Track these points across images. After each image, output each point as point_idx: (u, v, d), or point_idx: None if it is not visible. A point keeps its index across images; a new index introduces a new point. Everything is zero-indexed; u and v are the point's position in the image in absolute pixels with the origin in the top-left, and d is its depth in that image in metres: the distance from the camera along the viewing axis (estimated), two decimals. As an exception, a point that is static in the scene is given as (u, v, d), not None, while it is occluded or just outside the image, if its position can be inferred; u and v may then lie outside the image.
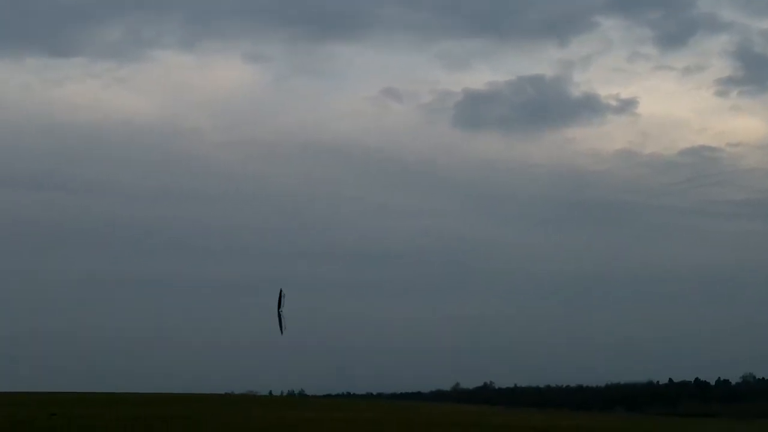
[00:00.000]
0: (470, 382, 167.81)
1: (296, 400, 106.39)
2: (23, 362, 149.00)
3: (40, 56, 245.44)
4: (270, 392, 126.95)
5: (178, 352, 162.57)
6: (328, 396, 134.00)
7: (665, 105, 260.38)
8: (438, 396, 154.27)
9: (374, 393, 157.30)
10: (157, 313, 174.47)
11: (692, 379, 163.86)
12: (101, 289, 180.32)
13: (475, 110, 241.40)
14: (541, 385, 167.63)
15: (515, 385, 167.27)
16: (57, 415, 50.30)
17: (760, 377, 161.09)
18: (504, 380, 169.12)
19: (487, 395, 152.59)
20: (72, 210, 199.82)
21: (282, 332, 56.97)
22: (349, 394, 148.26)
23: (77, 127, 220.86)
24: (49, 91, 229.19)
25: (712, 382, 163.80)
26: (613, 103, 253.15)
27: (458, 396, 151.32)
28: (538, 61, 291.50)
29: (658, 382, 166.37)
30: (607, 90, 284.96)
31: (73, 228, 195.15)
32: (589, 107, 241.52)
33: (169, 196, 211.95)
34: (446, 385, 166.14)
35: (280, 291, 56.78)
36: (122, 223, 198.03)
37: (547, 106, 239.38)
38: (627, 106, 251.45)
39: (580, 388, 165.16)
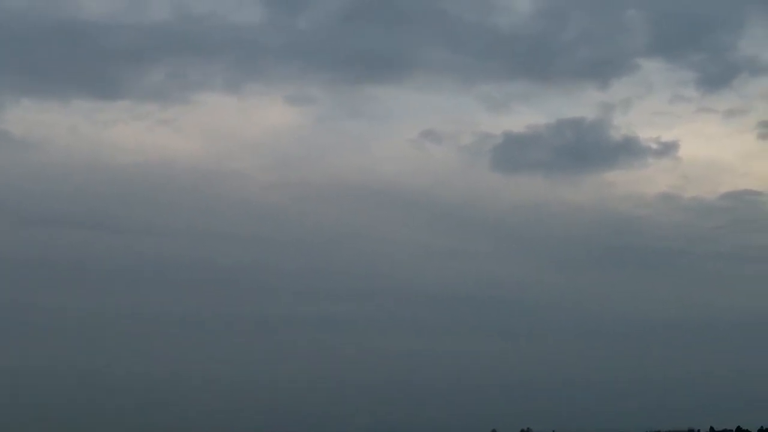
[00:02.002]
0: (508, 428, 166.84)
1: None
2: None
3: (86, 98, 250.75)
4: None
5: (223, 392, 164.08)
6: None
7: (707, 148, 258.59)
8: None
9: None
10: (198, 352, 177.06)
11: (734, 428, 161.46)
12: (148, 328, 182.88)
13: (514, 153, 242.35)
14: (580, 431, 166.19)
15: (553, 430, 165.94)
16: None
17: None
18: (542, 425, 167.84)
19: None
20: (117, 250, 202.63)
21: None
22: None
23: (122, 169, 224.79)
24: (95, 134, 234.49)
25: (754, 430, 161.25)
26: (654, 146, 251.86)
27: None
28: (579, 103, 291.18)
29: (699, 430, 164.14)
30: (648, 133, 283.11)
31: (119, 268, 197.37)
32: (630, 150, 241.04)
33: (212, 238, 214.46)
34: (484, 430, 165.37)
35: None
36: (167, 263, 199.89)
37: (587, 149, 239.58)
38: (668, 149, 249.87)
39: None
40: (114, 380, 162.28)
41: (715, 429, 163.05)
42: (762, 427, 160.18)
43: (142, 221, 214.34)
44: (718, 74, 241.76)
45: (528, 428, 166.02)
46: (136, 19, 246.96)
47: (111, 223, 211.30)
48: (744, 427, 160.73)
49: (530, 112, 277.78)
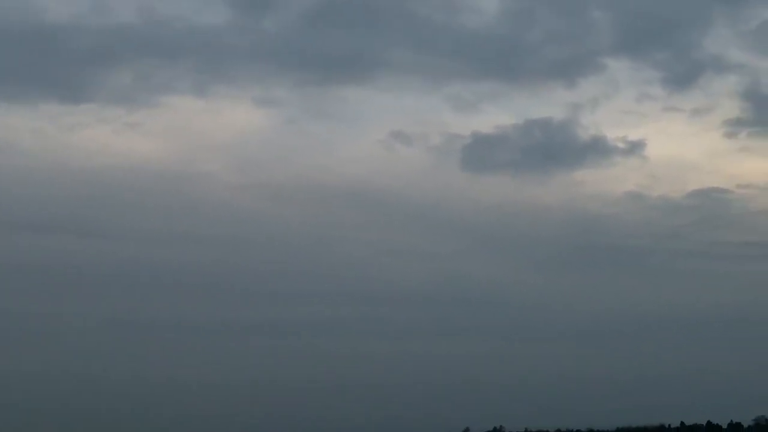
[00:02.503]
0: (480, 426, 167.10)
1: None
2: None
3: (52, 102, 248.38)
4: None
5: (185, 396, 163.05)
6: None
7: (674, 147, 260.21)
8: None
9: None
10: (165, 356, 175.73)
11: (704, 422, 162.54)
12: (115, 331, 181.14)
13: (483, 153, 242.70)
14: (552, 429, 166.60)
15: (525, 429, 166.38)
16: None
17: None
18: (515, 423, 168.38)
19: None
20: (84, 254, 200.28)
21: None
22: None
23: (89, 173, 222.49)
24: (61, 137, 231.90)
25: (724, 425, 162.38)
26: (621, 145, 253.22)
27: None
28: (546, 103, 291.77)
29: (669, 425, 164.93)
30: (615, 132, 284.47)
31: (86, 272, 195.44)
32: (597, 150, 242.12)
33: (180, 240, 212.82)
34: (456, 429, 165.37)
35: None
36: (134, 267, 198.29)
37: (555, 148, 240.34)
38: (635, 148, 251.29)
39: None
40: (74, 381, 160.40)
41: (686, 424, 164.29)
42: (732, 421, 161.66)
43: (109, 224, 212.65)
44: (684, 73, 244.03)
45: (500, 426, 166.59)
46: (102, 22, 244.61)
47: (78, 227, 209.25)
48: (714, 422, 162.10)
49: (498, 112, 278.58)
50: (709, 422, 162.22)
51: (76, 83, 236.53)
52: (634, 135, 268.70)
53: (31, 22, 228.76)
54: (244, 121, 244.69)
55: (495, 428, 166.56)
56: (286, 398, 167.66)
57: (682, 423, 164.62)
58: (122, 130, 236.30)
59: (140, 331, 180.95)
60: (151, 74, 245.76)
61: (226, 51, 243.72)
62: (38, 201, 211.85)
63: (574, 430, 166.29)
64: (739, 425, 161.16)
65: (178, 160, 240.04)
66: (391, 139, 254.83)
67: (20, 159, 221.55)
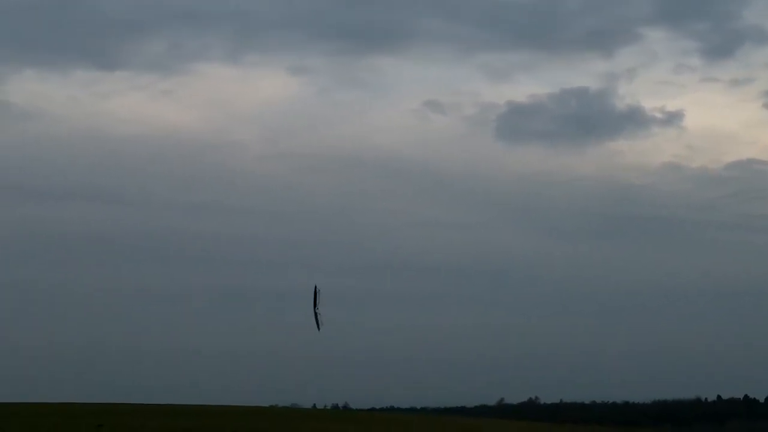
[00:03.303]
0: (515, 397, 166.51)
1: (341, 413, 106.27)
2: (71, 372, 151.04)
3: (86, 69, 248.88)
4: (314, 405, 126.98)
5: (221, 364, 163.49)
6: (372, 410, 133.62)
7: (712, 117, 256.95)
8: (482, 411, 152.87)
9: (417, 407, 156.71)
10: (200, 324, 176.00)
11: (741, 396, 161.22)
12: (146, 300, 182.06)
13: (517, 123, 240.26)
14: (587, 401, 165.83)
15: (561, 400, 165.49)
16: (104, 426, 50.71)
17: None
18: (549, 395, 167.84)
19: (532, 410, 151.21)
20: (116, 222, 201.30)
21: (319, 329, 56.39)
22: (392, 408, 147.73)
23: (122, 140, 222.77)
24: (95, 104, 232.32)
25: (761, 399, 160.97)
26: (659, 115, 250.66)
27: (503, 411, 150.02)
28: (582, 73, 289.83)
29: (706, 399, 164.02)
30: (653, 102, 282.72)
31: (117, 240, 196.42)
32: (634, 120, 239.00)
33: (210, 209, 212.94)
34: (491, 400, 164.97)
35: (315, 288, 56.06)
36: (164, 235, 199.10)
37: (591, 118, 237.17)
38: (673, 118, 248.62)
39: (627, 405, 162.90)
40: (104, 352, 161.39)
41: (723, 398, 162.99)
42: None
43: (140, 192, 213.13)
44: (722, 43, 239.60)
45: (535, 397, 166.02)
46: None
47: (110, 194, 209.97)
48: (751, 396, 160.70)
49: (533, 82, 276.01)
50: (746, 396, 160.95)
51: (110, 51, 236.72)
52: (671, 106, 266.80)
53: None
54: (277, 90, 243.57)
55: (530, 399, 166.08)
56: (316, 369, 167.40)
57: (718, 396, 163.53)
58: (155, 97, 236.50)
59: (169, 299, 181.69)
60: (185, 42, 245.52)
61: (260, 19, 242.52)
62: (71, 168, 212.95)
63: (610, 402, 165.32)
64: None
65: (210, 129, 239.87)
66: (424, 108, 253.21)
67: (54, 126, 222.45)
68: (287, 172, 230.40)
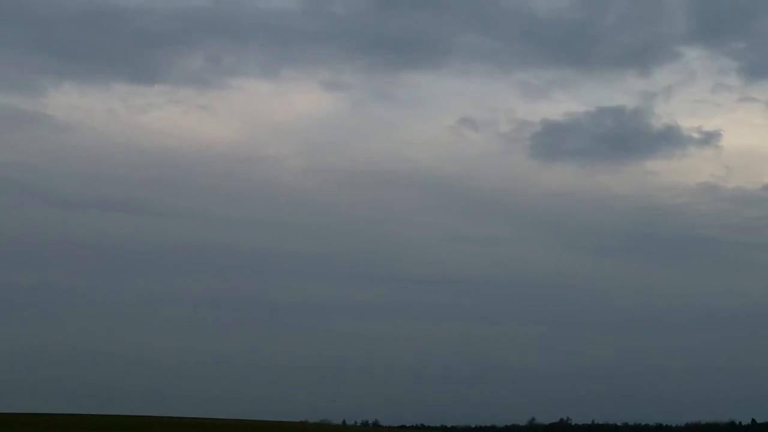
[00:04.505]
0: (546, 417, 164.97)
1: (371, 429, 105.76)
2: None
3: (124, 83, 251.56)
4: (344, 421, 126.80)
5: (252, 377, 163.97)
6: (402, 427, 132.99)
7: (749, 138, 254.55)
8: (513, 430, 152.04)
9: (448, 425, 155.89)
10: (232, 336, 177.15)
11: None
12: (179, 312, 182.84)
13: (552, 141, 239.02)
14: (619, 423, 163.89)
15: (593, 421, 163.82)
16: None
17: None
18: (581, 416, 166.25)
19: (563, 431, 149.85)
20: (152, 234, 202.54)
21: None
22: (422, 425, 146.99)
23: (159, 153, 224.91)
24: (133, 118, 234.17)
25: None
26: (696, 135, 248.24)
27: (533, 431, 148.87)
28: (619, 91, 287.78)
29: (741, 422, 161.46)
30: (689, 122, 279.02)
31: (154, 252, 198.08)
32: (671, 139, 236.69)
33: (245, 223, 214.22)
34: (521, 419, 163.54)
35: None
36: (201, 248, 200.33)
37: (627, 137, 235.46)
38: (710, 138, 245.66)
39: (660, 428, 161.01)
40: (146, 361, 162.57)
41: (757, 422, 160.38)
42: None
43: (177, 205, 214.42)
44: (761, 63, 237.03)
45: (567, 418, 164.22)
46: (174, 4, 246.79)
47: (147, 207, 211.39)
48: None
49: (569, 99, 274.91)
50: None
51: (148, 64, 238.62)
52: (708, 125, 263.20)
53: (104, 4, 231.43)
54: (312, 104, 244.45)
55: (561, 420, 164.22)
56: (350, 380, 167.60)
57: (753, 420, 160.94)
58: (192, 111, 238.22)
59: (203, 311, 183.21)
60: (222, 57, 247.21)
61: (296, 34, 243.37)
62: (109, 181, 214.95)
63: (642, 424, 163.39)
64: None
65: (246, 143, 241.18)
66: (459, 124, 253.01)
67: (93, 139, 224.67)
68: (322, 186, 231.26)
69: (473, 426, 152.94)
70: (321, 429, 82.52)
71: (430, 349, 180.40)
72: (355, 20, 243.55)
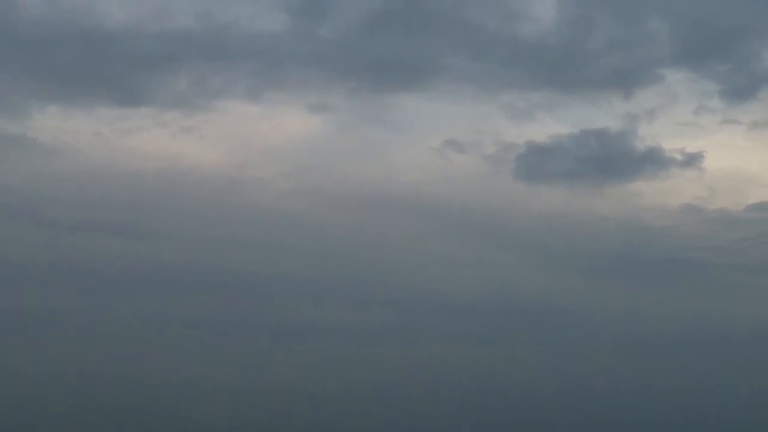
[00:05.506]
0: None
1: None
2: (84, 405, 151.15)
3: (110, 106, 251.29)
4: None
5: (239, 398, 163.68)
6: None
7: (732, 159, 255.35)
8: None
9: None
10: (219, 358, 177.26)
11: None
12: (163, 335, 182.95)
13: (537, 163, 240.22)
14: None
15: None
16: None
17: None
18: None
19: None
20: (139, 257, 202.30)
21: None
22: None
23: (146, 176, 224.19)
24: (119, 141, 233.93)
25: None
26: (679, 157, 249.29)
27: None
28: (603, 113, 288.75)
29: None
30: (673, 144, 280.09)
31: (140, 275, 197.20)
32: (654, 161, 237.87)
33: (232, 245, 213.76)
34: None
35: None
36: (188, 271, 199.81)
37: (611, 159, 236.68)
38: (693, 160, 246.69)
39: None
40: (136, 386, 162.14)
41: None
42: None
43: (163, 228, 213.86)
44: (744, 85, 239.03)
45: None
46: (160, 27, 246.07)
47: (133, 230, 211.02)
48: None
49: (554, 121, 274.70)
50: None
51: (133, 87, 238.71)
52: (691, 147, 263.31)
53: (91, 26, 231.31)
54: (298, 127, 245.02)
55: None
56: (337, 405, 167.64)
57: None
58: (179, 134, 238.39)
59: (187, 335, 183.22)
60: (208, 79, 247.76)
61: (283, 56, 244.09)
62: (95, 203, 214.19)
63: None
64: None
65: (232, 165, 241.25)
66: (444, 147, 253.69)
67: (78, 162, 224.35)
68: (308, 208, 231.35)
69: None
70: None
71: (416, 371, 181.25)
72: (341, 43, 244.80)
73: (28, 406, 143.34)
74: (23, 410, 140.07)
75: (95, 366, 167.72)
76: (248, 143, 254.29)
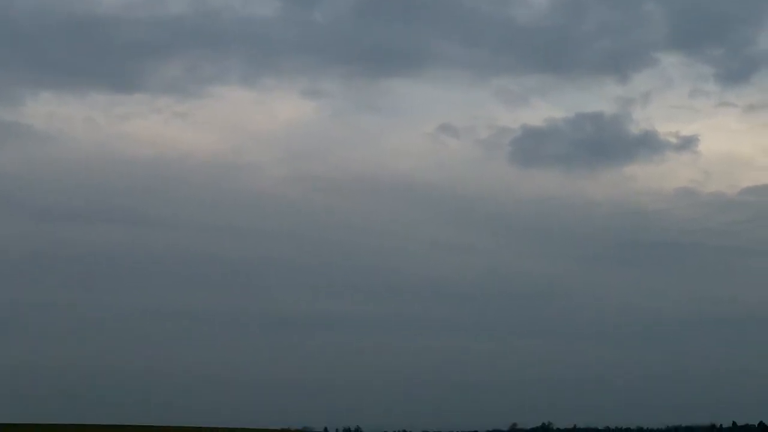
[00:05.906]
0: (528, 422, 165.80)
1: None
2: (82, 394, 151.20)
3: (103, 92, 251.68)
4: (325, 428, 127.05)
5: (236, 386, 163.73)
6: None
7: (727, 143, 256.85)
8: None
9: (430, 431, 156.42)
10: (215, 347, 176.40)
11: (756, 423, 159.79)
12: (157, 321, 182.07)
13: (532, 147, 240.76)
14: (601, 426, 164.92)
15: (574, 425, 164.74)
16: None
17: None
18: (563, 420, 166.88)
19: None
20: (133, 243, 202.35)
21: None
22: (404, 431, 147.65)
23: (140, 162, 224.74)
24: (112, 127, 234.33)
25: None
26: (673, 140, 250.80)
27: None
28: (598, 97, 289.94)
29: (721, 425, 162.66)
30: (667, 127, 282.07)
31: (135, 261, 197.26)
32: (649, 145, 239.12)
33: (227, 231, 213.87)
34: (503, 425, 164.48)
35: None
36: (182, 257, 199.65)
37: (606, 143, 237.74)
38: (687, 143, 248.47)
39: (641, 431, 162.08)
40: (124, 375, 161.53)
41: (738, 424, 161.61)
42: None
43: (157, 214, 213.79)
44: (738, 69, 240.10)
45: (548, 422, 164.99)
46: (153, 13, 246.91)
47: (126, 216, 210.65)
48: (767, 422, 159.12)
49: (548, 106, 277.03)
50: (761, 423, 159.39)
51: (127, 73, 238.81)
52: (686, 130, 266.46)
53: (82, 13, 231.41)
54: (292, 112, 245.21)
55: (543, 424, 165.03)
56: (332, 388, 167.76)
57: (733, 423, 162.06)
58: (173, 120, 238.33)
59: (181, 320, 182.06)
60: (201, 65, 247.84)
61: (276, 43, 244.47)
62: (89, 189, 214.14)
63: (624, 428, 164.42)
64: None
65: (226, 151, 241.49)
66: (439, 132, 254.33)
67: (72, 148, 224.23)
68: (302, 193, 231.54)
69: (456, 431, 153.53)
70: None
71: (411, 357, 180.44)
72: (335, 28, 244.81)
73: (26, 398, 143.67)
74: (21, 402, 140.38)
75: (84, 353, 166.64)
76: (242, 129, 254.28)
